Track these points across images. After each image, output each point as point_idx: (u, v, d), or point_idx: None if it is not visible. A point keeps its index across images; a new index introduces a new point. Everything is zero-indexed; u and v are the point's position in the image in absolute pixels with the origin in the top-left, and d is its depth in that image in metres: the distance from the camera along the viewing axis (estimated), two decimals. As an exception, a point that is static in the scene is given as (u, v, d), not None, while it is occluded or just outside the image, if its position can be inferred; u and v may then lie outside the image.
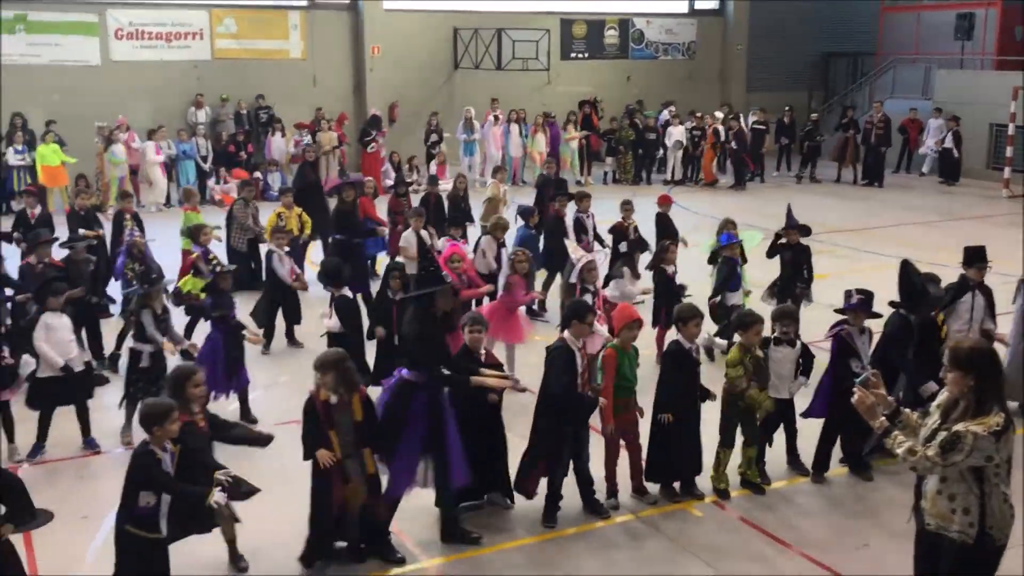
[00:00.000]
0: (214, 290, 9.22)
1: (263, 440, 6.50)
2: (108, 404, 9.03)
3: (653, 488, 7.63)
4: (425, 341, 6.75)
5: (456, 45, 25.28)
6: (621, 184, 22.67)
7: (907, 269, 7.97)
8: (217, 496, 5.68)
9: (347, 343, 8.98)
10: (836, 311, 8.09)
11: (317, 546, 6.54)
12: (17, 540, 5.75)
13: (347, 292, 9.43)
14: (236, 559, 6.59)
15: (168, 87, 21.91)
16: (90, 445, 8.47)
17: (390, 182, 16.64)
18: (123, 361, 9.50)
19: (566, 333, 7.05)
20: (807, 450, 8.04)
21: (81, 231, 11.30)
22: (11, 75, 20.39)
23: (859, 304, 7.81)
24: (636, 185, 22.52)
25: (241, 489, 5.96)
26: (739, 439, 7.70)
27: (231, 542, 6.56)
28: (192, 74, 22.32)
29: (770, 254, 10.74)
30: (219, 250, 11.89)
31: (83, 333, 9.67)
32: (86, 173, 17.95)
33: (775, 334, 7.86)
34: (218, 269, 9.34)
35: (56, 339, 8.16)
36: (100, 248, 11.87)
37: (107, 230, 12.58)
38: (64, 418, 8.43)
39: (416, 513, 7.01)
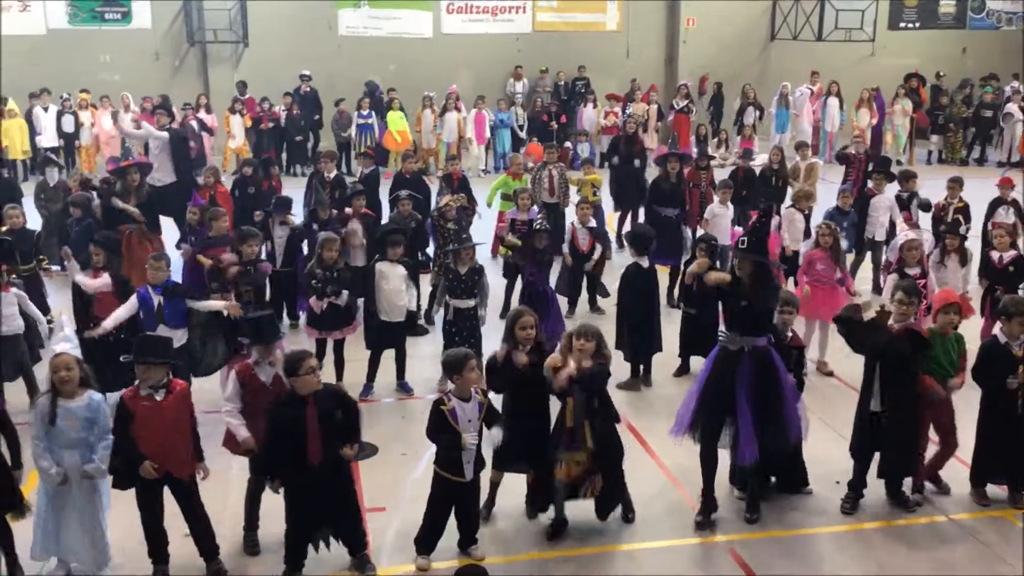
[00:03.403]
0: (526, 248, 9.61)
1: None
2: (424, 354, 9.75)
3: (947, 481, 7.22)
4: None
5: (774, 16, 24.52)
6: (947, 164, 21.08)
7: None
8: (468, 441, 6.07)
9: (635, 311, 9.18)
10: None
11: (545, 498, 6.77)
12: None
13: (643, 262, 9.36)
14: (489, 504, 6.87)
15: (491, 59, 22.97)
16: (404, 388, 9.17)
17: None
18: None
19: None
20: None
21: (403, 192, 12.09)
22: (353, 46, 22.41)
23: None
24: (964, 166, 20.84)
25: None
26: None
27: (494, 485, 6.89)
28: (513, 46, 23.25)
29: None
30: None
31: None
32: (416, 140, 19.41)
33: None
34: (536, 227, 9.75)
35: (389, 288, 8.87)
36: (425, 208, 12.72)
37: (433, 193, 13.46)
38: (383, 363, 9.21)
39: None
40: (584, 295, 11.42)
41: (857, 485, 7.01)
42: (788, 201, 12.20)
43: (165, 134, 13.20)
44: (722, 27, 23.93)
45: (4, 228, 10.42)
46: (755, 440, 6.55)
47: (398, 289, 8.86)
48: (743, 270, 6.55)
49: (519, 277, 10.39)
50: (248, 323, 6.59)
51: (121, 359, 7.77)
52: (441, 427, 6.14)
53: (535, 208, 11.63)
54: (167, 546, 6.18)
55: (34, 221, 12.18)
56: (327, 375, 8.86)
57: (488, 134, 20.46)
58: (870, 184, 12.19)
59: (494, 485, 6.85)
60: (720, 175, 13.81)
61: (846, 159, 14.57)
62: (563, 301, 11.18)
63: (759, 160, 15.64)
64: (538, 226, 9.77)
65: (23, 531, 6.13)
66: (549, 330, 9.39)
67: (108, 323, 8.08)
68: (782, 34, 24.29)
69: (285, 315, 10.67)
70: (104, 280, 8.61)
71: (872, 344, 6.75)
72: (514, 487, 6.85)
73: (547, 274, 9.54)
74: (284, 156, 20.05)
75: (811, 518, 6.97)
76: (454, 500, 6.33)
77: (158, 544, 6.14)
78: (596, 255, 10.96)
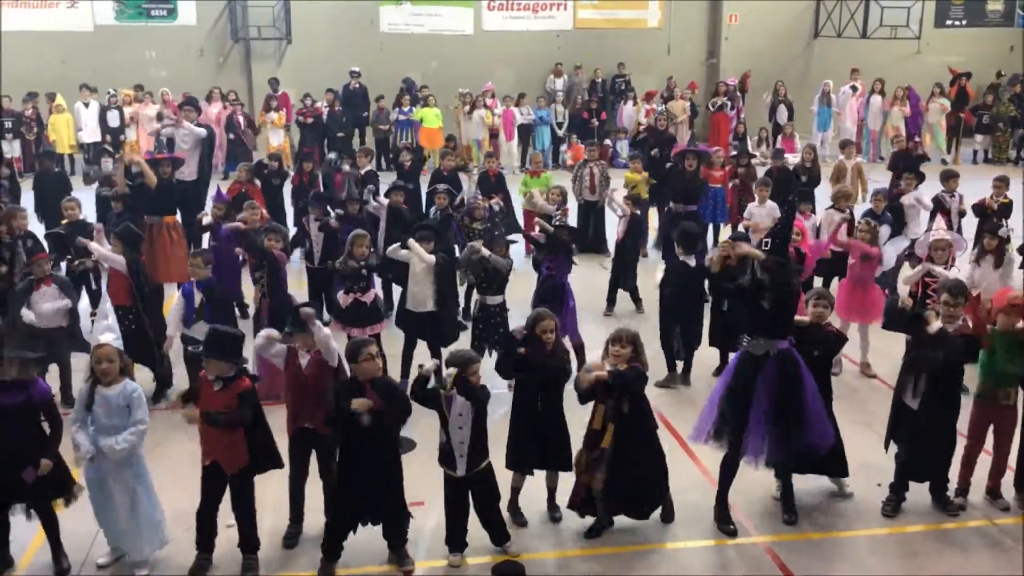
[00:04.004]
0: (550, 246, 9.59)
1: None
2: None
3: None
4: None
5: (818, 12, 24.29)
6: (994, 164, 20.77)
7: None
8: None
9: (679, 310, 9.13)
10: None
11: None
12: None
13: (690, 260, 9.30)
14: (513, 510, 6.83)
15: (531, 56, 22.98)
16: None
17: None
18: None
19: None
20: None
21: (440, 185, 12.10)
22: (395, 42, 22.51)
23: None
24: (1006, 165, 20.55)
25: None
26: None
27: (515, 490, 6.84)
28: (553, 43, 23.24)
29: None
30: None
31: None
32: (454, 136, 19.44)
33: None
34: (556, 224, 9.75)
35: (416, 272, 8.88)
36: (459, 206, 12.73)
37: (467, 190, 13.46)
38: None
39: (750, 487, 6.98)
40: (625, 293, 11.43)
41: (898, 488, 6.93)
42: (828, 201, 12.09)
43: (203, 131, 13.26)
44: (765, 24, 23.75)
45: (64, 221, 10.60)
46: (769, 441, 6.45)
47: (424, 281, 8.88)
48: (764, 269, 6.52)
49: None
50: (290, 312, 6.69)
51: (189, 350, 8.33)
52: (428, 397, 6.18)
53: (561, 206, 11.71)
54: (215, 537, 6.24)
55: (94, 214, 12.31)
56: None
57: (517, 130, 20.44)
58: (901, 184, 12.18)
59: (515, 491, 6.82)
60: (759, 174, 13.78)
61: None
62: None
63: (793, 159, 15.52)
64: (557, 222, 9.78)
65: (71, 521, 6.25)
66: (562, 327, 9.38)
67: (171, 330, 8.47)
68: (826, 31, 24.05)
69: (325, 310, 10.73)
70: (121, 260, 8.78)
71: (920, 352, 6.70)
72: (535, 485, 6.87)
73: (566, 269, 9.50)
74: (327, 152, 20.17)
75: (851, 520, 6.91)
76: (462, 497, 6.34)
77: (207, 533, 6.21)
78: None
